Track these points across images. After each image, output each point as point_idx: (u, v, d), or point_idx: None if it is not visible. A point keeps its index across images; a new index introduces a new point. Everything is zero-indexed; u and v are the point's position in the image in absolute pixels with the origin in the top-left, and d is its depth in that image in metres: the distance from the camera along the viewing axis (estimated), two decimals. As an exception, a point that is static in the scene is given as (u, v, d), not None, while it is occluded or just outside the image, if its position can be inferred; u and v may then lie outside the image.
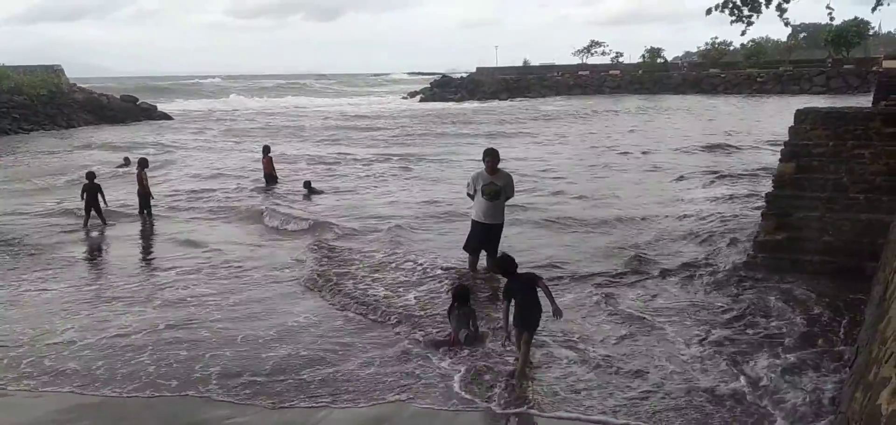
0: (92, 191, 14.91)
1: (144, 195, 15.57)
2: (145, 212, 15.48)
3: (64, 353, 7.79)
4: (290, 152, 27.89)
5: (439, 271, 10.41)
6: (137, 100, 52.04)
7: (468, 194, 10.32)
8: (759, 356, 7.32)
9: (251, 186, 19.56)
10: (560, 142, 31.71)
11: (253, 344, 7.96)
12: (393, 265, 10.91)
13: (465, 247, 10.36)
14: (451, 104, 69.09)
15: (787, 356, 7.29)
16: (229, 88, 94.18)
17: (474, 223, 10.11)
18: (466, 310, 7.88)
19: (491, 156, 10.01)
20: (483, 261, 10.32)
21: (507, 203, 10.31)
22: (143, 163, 15.94)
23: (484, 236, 10.04)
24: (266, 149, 20.35)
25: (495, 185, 9.86)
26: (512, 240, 11.15)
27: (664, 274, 10.36)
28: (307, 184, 18.48)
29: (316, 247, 12.08)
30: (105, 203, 15.08)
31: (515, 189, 10.55)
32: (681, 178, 19.86)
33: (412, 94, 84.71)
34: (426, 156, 26.01)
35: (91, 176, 15.25)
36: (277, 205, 16.44)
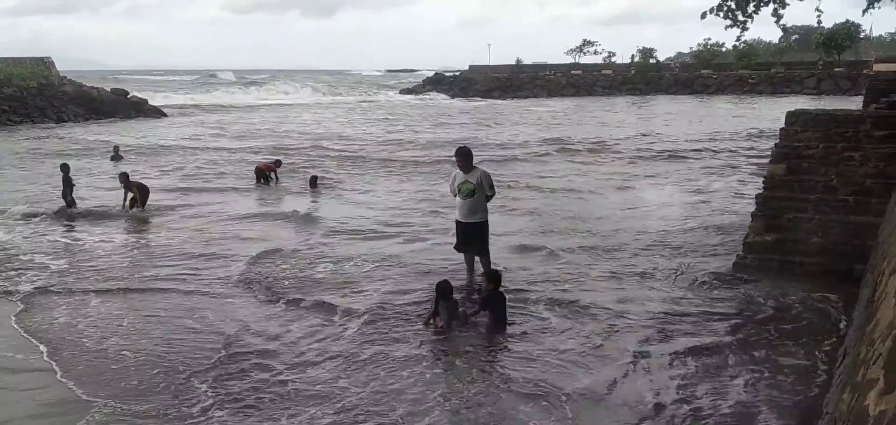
0: (67, 182, 15.57)
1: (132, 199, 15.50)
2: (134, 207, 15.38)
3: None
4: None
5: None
6: (128, 93, 51.70)
7: (452, 194, 10.42)
8: (745, 356, 7.36)
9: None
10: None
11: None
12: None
13: (455, 248, 10.46)
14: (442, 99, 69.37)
15: (774, 357, 7.32)
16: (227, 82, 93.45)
17: (456, 223, 10.23)
18: (451, 303, 8.25)
19: (461, 156, 10.10)
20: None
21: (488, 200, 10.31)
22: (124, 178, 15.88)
23: (465, 234, 10.12)
24: (277, 162, 20.65)
25: (469, 183, 9.94)
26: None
27: (651, 274, 10.40)
28: (313, 180, 18.78)
29: None
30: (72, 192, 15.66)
31: (495, 184, 10.47)
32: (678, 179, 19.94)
33: (409, 91, 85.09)
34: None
35: (65, 168, 15.88)
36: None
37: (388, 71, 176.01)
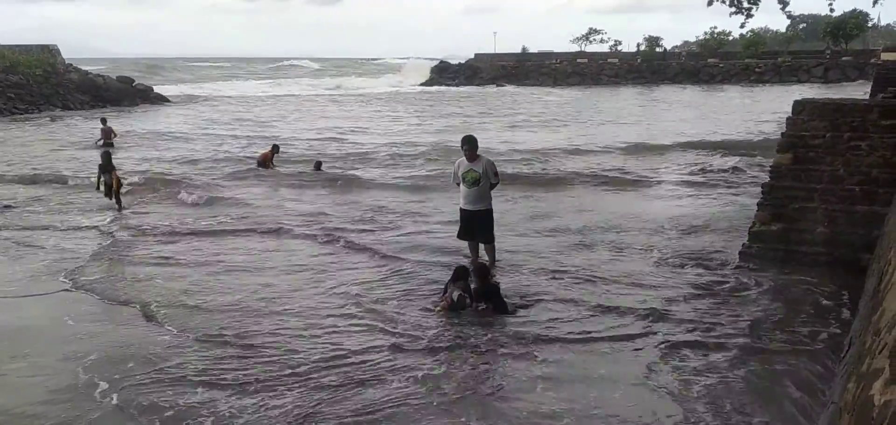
0: None
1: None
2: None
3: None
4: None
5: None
6: (133, 81, 51.78)
7: (454, 183, 10.44)
8: (748, 346, 7.35)
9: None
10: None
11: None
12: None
13: (458, 236, 10.52)
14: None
15: (779, 347, 7.31)
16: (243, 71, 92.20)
17: (460, 211, 10.29)
18: (462, 285, 8.35)
19: (468, 145, 10.18)
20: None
21: (494, 188, 10.35)
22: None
23: (470, 223, 10.15)
24: (275, 148, 20.60)
25: (475, 172, 10.01)
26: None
27: (654, 264, 10.40)
28: (317, 165, 19.11)
29: None
30: None
31: (499, 173, 10.53)
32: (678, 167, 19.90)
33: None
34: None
35: None
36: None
37: (405, 57, 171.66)
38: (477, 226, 10.18)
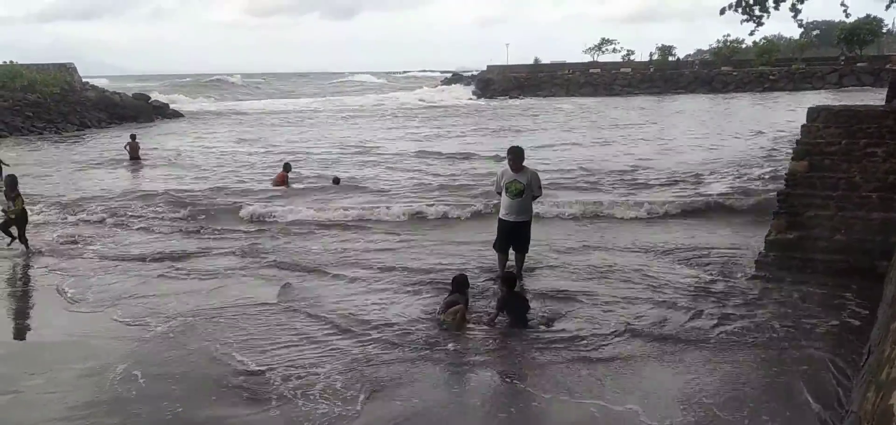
0: None
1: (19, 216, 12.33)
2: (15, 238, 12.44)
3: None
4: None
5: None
6: (149, 98, 52.36)
7: (496, 192, 10.42)
8: (766, 357, 7.30)
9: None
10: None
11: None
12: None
13: (494, 247, 10.43)
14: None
15: (797, 356, 7.26)
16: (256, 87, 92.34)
17: (501, 221, 10.22)
18: (456, 298, 8.38)
19: (513, 155, 10.11)
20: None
21: (535, 200, 10.35)
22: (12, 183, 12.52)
23: (511, 234, 10.11)
24: (287, 166, 20.58)
25: (519, 183, 9.95)
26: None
27: (673, 272, 10.35)
28: (335, 180, 19.47)
29: None
30: None
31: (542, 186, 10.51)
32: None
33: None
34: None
35: None
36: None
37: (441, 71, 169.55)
38: (516, 237, 10.16)
